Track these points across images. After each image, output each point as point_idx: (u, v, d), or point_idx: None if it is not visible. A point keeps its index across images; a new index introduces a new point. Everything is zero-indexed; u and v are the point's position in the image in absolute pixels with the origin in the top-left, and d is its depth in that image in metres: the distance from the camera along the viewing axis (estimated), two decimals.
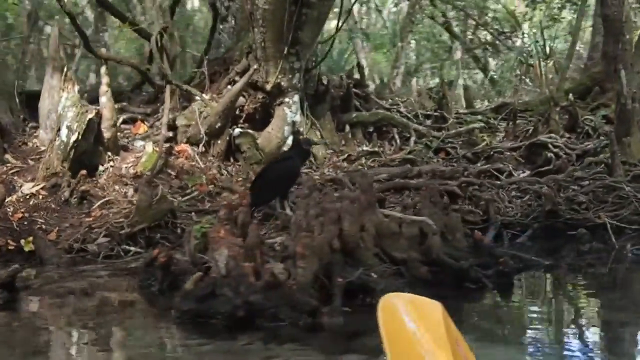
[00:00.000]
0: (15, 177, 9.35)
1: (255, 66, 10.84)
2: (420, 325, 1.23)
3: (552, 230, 8.20)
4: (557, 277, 6.57)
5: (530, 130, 12.66)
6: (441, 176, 10.20)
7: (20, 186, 9.17)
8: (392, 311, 1.23)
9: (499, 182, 9.54)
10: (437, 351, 1.20)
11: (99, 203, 8.77)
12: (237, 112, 11.61)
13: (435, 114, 13.52)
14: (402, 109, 13.62)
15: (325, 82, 12.32)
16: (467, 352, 1.28)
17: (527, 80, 18.71)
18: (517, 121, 13.32)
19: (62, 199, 8.85)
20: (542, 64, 17.05)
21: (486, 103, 17.40)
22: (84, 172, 9.20)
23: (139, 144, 10.73)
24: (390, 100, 14.16)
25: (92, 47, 9.89)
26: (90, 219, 8.55)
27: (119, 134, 10.58)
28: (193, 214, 8.64)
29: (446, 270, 5.90)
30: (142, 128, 11.66)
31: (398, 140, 12.15)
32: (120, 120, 12.05)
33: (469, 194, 9.08)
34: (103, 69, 10.04)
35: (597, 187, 9.19)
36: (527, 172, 10.60)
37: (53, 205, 8.80)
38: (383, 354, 1.14)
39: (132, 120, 11.87)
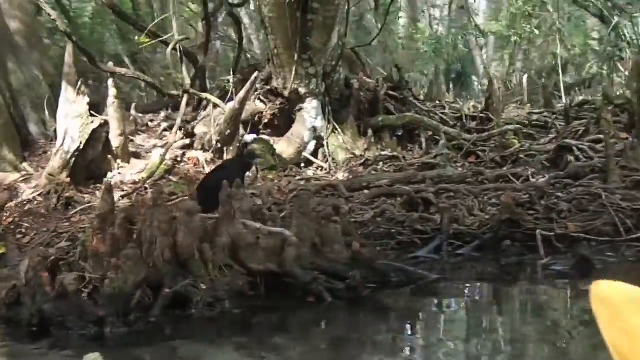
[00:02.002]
0: (23, 184, 10.10)
1: (256, 73, 10.92)
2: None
3: (511, 240, 7.63)
4: (413, 294, 6.16)
5: (581, 131, 11.86)
6: (449, 181, 9.86)
7: (23, 192, 9.91)
8: (609, 303, 1.07)
9: (476, 190, 9.03)
10: None
11: (78, 209, 9.28)
12: (257, 118, 11.85)
13: (482, 115, 12.97)
14: (446, 111, 13.20)
15: (356, 86, 12.20)
16: None
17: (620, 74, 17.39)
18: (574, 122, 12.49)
19: (51, 205, 9.45)
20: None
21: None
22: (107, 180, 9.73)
23: (155, 151, 11.20)
24: (435, 102, 13.69)
25: (97, 62, 10.45)
26: (68, 224, 9.09)
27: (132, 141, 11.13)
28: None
29: (298, 281, 5.77)
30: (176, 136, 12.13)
31: (424, 144, 11.78)
32: (162, 127, 12.71)
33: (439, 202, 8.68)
34: (110, 82, 10.59)
35: (579, 194, 8.47)
36: (547, 177, 9.95)
37: (43, 211, 9.43)
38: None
39: (170, 128, 12.39)
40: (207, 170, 10.76)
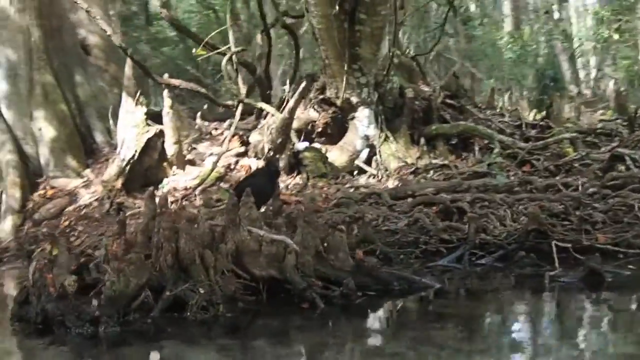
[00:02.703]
0: (82, 190, 10.70)
1: (303, 83, 11.13)
2: None
3: (537, 252, 7.52)
4: (408, 301, 6.18)
5: None
6: (495, 190, 9.80)
7: (82, 198, 10.50)
8: None
9: (509, 199, 8.92)
10: None
11: (128, 214, 9.75)
12: (310, 127, 12.08)
13: (542, 123, 12.76)
14: (506, 119, 13.05)
15: (410, 94, 12.24)
16: None
17: None
18: None
19: (104, 210, 9.99)
20: None
21: None
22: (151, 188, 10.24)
23: (208, 158, 11.62)
24: (494, 111, 13.54)
25: (151, 74, 10.94)
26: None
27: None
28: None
29: (295, 288, 5.95)
30: (235, 143, 12.54)
31: (477, 153, 11.71)
32: (226, 135, 13.11)
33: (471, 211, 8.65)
34: (165, 93, 11.08)
35: (616, 205, 8.26)
36: (596, 187, 9.74)
37: (96, 215, 9.98)
38: None
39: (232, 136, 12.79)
40: None
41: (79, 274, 6.21)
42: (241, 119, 13.28)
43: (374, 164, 11.78)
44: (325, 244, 6.46)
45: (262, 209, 7.09)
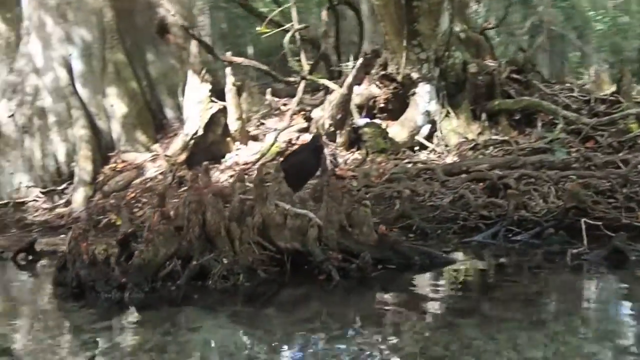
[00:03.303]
0: (150, 164, 11.24)
1: (360, 59, 11.27)
2: None
3: (574, 229, 7.46)
4: (425, 276, 6.28)
5: None
6: (550, 167, 9.76)
7: (148, 171, 11.05)
8: None
9: (555, 176, 8.83)
10: None
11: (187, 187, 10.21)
12: (372, 102, 12.23)
13: (611, 98, 12.43)
14: (575, 94, 12.78)
15: (473, 69, 12.18)
16: None
17: None
18: None
19: (167, 183, 10.49)
20: None
21: None
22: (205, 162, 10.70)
23: (270, 134, 11.95)
24: (563, 85, 13.27)
25: (214, 52, 11.33)
26: (176, 200, 10.05)
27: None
28: None
29: (315, 260, 6.19)
30: (299, 118, 12.84)
31: (540, 128, 11.58)
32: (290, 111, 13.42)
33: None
34: (227, 70, 11.45)
35: None
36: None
37: (160, 188, 10.47)
38: None
39: (298, 112, 13.10)
40: None
41: (126, 243, 6.67)
42: (312, 94, 13.58)
43: (435, 139, 11.83)
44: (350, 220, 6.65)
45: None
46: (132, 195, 10.44)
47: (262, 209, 6.55)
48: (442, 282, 6.13)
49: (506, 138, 11.39)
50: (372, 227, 6.64)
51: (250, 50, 19.82)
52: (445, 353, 3.93)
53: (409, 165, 10.90)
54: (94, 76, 11.93)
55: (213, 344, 4.54)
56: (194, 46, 11.54)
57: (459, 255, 7.00)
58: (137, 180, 10.85)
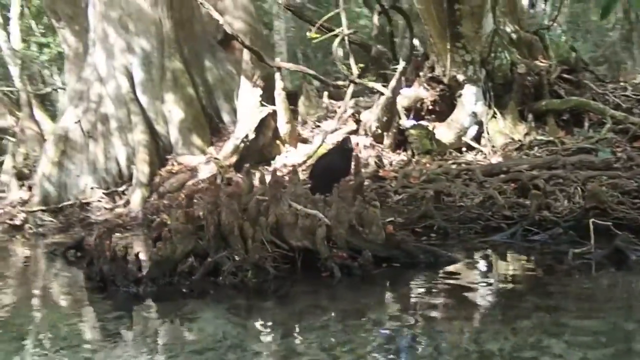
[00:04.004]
0: (203, 166, 11.82)
1: (402, 63, 11.50)
2: None
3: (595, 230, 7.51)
4: (427, 272, 6.49)
5: None
6: (590, 167, 9.81)
7: (201, 173, 11.63)
8: None
9: (581, 177, 8.86)
10: None
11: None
12: (420, 104, 12.44)
13: None
14: (628, 93, 12.63)
15: (521, 70, 12.23)
16: None
17: None
18: None
19: (220, 184, 11.02)
20: None
21: None
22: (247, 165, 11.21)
23: (318, 136, 12.34)
24: (617, 84, 13.11)
25: (264, 58, 11.81)
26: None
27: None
28: None
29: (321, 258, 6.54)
30: (350, 121, 13.17)
31: (586, 128, 11.55)
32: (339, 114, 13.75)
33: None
34: (277, 75, 11.92)
35: None
36: None
37: (207, 190, 11.02)
38: None
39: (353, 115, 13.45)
40: (364, 154, 11.67)
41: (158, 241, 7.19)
42: (369, 97, 13.91)
43: (482, 140, 11.95)
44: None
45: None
46: (183, 196, 11.01)
47: (277, 209, 6.95)
48: (438, 279, 6.35)
49: (551, 138, 11.40)
50: (381, 226, 6.92)
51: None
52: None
53: (453, 167, 11.07)
54: (153, 84, 12.59)
55: (204, 332, 4.96)
56: (246, 53, 12.05)
57: (474, 255, 7.20)
58: (190, 182, 11.44)
